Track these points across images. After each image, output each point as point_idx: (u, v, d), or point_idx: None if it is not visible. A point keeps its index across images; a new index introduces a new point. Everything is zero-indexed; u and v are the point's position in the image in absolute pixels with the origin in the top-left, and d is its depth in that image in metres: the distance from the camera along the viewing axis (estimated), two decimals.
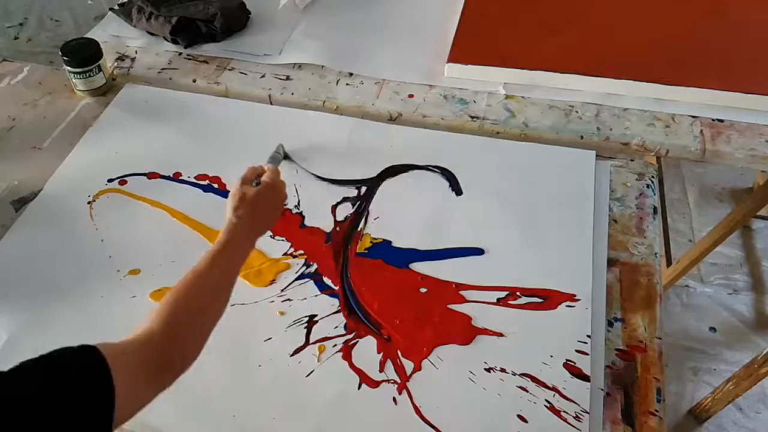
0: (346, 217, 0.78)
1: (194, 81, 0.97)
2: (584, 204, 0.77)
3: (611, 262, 0.72)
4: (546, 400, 0.61)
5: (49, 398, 0.39)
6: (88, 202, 0.80)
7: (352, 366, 0.64)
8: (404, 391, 0.62)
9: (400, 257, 0.73)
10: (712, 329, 1.43)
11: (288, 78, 0.97)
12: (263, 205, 0.65)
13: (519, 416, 0.60)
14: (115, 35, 1.06)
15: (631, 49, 0.94)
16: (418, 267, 0.72)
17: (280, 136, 0.87)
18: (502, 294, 0.69)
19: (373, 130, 0.88)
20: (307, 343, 0.66)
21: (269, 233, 0.76)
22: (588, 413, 0.60)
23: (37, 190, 0.82)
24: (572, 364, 0.63)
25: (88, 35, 1.04)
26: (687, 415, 1.29)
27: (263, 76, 0.98)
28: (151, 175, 0.83)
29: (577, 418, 0.60)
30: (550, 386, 0.62)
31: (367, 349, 0.65)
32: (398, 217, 0.77)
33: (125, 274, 0.72)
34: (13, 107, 0.95)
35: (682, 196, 1.70)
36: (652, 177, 0.81)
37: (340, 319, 0.68)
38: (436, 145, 0.85)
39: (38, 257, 0.74)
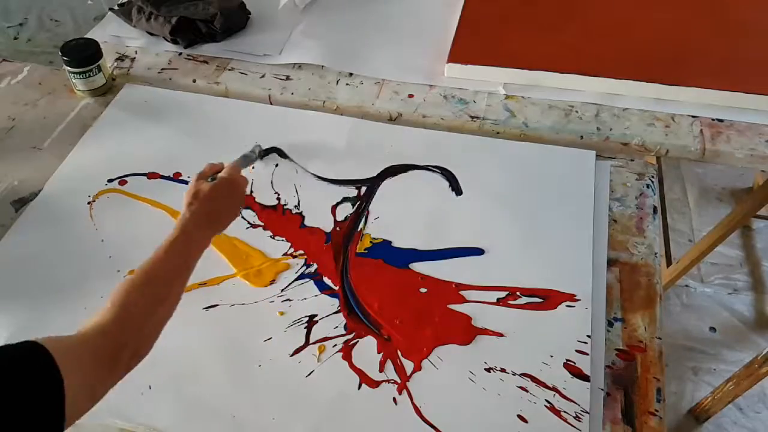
0: (346, 217, 0.78)
1: (194, 81, 0.97)
2: (584, 204, 0.77)
3: (611, 262, 0.72)
4: (546, 400, 0.61)
5: None
6: (88, 202, 0.80)
7: (352, 366, 0.64)
8: (404, 391, 0.62)
9: (400, 257, 0.73)
10: (712, 329, 1.43)
11: (288, 78, 0.97)
12: (218, 201, 0.65)
13: (519, 416, 0.60)
14: (115, 35, 1.06)
15: (631, 49, 0.94)
16: (418, 267, 0.72)
17: (280, 136, 0.87)
18: (502, 294, 0.69)
19: (373, 130, 0.88)
20: (307, 343, 0.66)
21: (269, 233, 0.76)
22: (588, 413, 0.60)
23: (37, 190, 0.82)
24: (572, 364, 0.63)
25: (88, 35, 1.04)
26: (687, 415, 1.29)
27: (263, 76, 0.98)
28: (151, 175, 0.83)
29: (577, 418, 0.60)
30: (550, 386, 0.62)
31: (367, 349, 0.65)
32: (398, 217, 0.77)
33: (125, 274, 0.72)
34: (13, 107, 0.95)
35: (682, 196, 1.70)
36: (652, 177, 0.81)
37: (340, 319, 0.68)
38: (436, 145, 0.85)
39: (38, 257, 0.74)
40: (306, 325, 0.68)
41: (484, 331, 0.66)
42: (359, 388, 0.63)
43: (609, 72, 0.90)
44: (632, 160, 0.83)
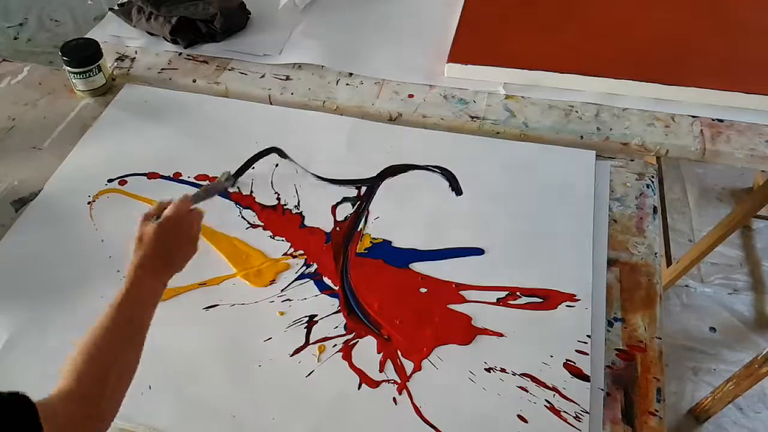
0: (346, 217, 0.78)
1: (194, 81, 0.97)
2: (584, 204, 0.77)
3: (611, 262, 0.72)
4: (546, 400, 0.61)
5: None
6: (88, 202, 0.80)
7: (352, 366, 0.64)
8: (404, 391, 0.62)
9: (400, 257, 0.73)
10: (712, 329, 1.43)
11: (288, 78, 0.97)
12: (165, 242, 0.60)
13: (519, 416, 0.60)
14: (115, 35, 1.06)
15: (631, 49, 0.94)
16: (418, 267, 0.72)
17: (280, 136, 0.87)
18: (502, 294, 0.69)
19: (373, 130, 0.88)
20: (307, 343, 0.66)
21: (269, 233, 0.76)
22: (588, 413, 0.60)
23: (37, 191, 0.82)
24: (572, 364, 0.63)
25: (88, 35, 1.04)
26: (687, 415, 1.29)
27: (263, 76, 0.98)
28: (151, 175, 0.83)
29: (577, 418, 0.60)
30: (550, 386, 0.62)
31: (367, 349, 0.65)
32: (398, 217, 0.77)
33: (125, 275, 0.72)
34: (13, 107, 0.95)
35: (682, 196, 1.70)
36: (652, 177, 0.81)
37: (340, 319, 0.68)
38: (436, 145, 0.85)
39: (38, 257, 0.74)
40: (306, 325, 0.68)
41: (484, 331, 0.66)
42: (359, 388, 0.63)
43: (609, 72, 0.90)
44: (632, 160, 0.83)
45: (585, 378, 0.62)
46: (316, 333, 0.67)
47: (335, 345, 0.66)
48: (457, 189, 0.80)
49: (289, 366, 0.64)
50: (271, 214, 0.78)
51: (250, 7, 1.07)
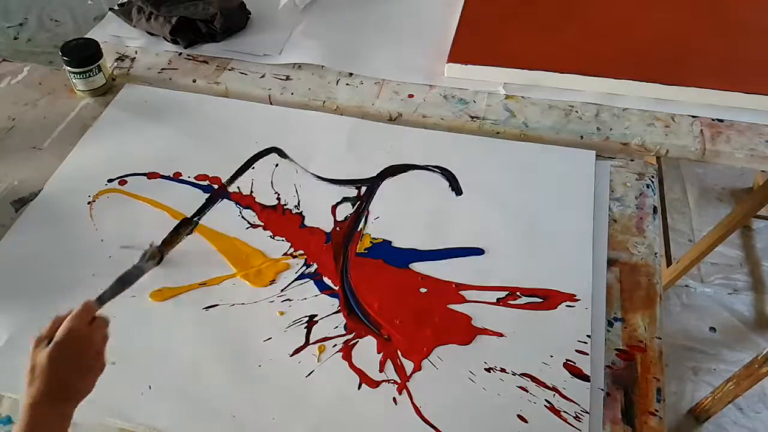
0: (346, 217, 0.78)
1: (194, 81, 0.97)
2: (584, 204, 0.77)
3: (611, 262, 0.72)
4: (546, 400, 0.61)
5: None
6: (88, 202, 0.80)
7: (352, 366, 0.64)
8: (404, 391, 0.62)
9: (400, 257, 0.73)
10: (712, 329, 1.43)
11: (288, 78, 0.97)
12: (61, 371, 0.51)
13: (519, 416, 0.60)
14: (115, 35, 1.06)
15: (631, 49, 0.94)
16: (418, 267, 0.72)
17: (280, 136, 0.87)
18: (502, 294, 0.69)
19: (373, 130, 0.88)
20: (307, 343, 0.66)
21: (269, 233, 0.76)
22: (588, 413, 0.60)
23: (37, 190, 0.82)
24: (572, 364, 0.63)
25: (88, 35, 1.04)
26: (687, 415, 1.29)
27: (263, 76, 0.98)
28: (151, 175, 0.83)
29: (577, 418, 0.60)
30: (550, 386, 0.62)
31: (367, 349, 0.65)
32: (398, 217, 0.77)
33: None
34: (13, 107, 0.95)
35: (682, 196, 1.70)
36: (652, 177, 0.81)
37: (340, 319, 0.68)
38: (436, 145, 0.85)
39: (38, 257, 0.74)
40: (306, 325, 0.68)
41: (484, 331, 0.66)
42: (359, 388, 0.63)
43: (609, 72, 0.90)
44: (632, 160, 0.83)
45: (585, 378, 0.62)
46: (316, 333, 0.67)
47: (335, 345, 0.66)
48: (457, 189, 0.80)
49: (289, 366, 0.64)
50: (271, 214, 0.78)
51: (250, 7, 1.07)
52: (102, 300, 0.60)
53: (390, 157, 0.84)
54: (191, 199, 0.80)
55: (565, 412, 0.60)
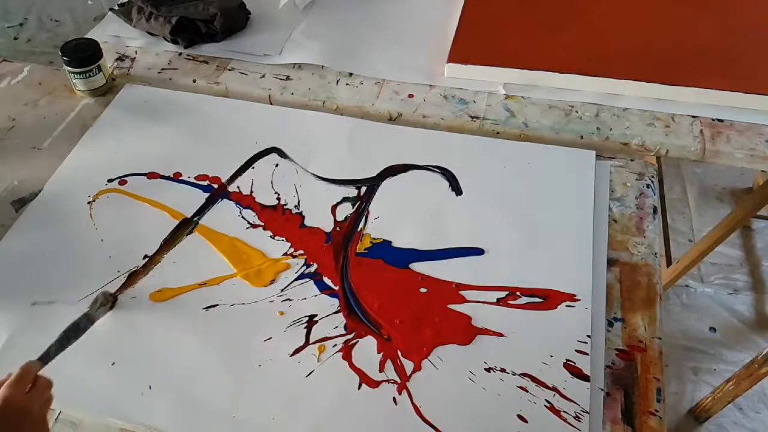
0: (346, 217, 0.78)
1: (194, 81, 0.97)
2: (584, 204, 0.77)
3: (611, 262, 0.72)
4: (546, 400, 0.61)
5: None
6: (88, 202, 0.80)
7: (352, 366, 0.64)
8: (404, 391, 0.62)
9: (400, 257, 0.73)
10: (712, 329, 1.43)
11: (288, 78, 0.97)
12: None
13: (519, 416, 0.60)
14: (115, 35, 1.06)
15: (631, 49, 0.94)
16: (418, 267, 0.72)
17: (280, 136, 0.87)
18: (502, 294, 0.69)
19: (373, 130, 0.88)
20: (307, 343, 0.66)
21: (269, 233, 0.76)
22: (588, 413, 0.60)
23: (37, 190, 0.82)
24: (572, 364, 0.63)
25: (88, 35, 1.04)
26: (687, 415, 1.29)
27: (263, 76, 0.98)
28: (151, 175, 0.83)
29: (577, 418, 0.60)
30: (550, 386, 0.62)
31: (367, 349, 0.65)
32: (398, 217, 0.77)
33: (125, 275, 0.72)
34: (13, 107, 0.95)
35: (682, 196, 1.70)
36: (652, 177, 0.81)
37: (340, 319, 0.68)
38: (436, 145, 0.85)
39: (38, 257, 0.74)
40: (306, 325, 0.68)
41: (484, 331, 0.66)
42: (359, 388, 0.63)
43: (609, 72, 0.90)
44: (632, 160, 0.84)
45: (585, 378, 0.62)
46: (316, 333, 0.67)
47: (335, 345, 0.66)
48: (457, 189, 0.80)
49: (289, 366, 0.64)
50: (271, 214, 0.78)
51: (250, 7, 1.07)
52: (45, 359, 0.56)
53: (390, 157, 0.84)
54: (191, 199, 0.80)
55: (565, 412, 0.60)
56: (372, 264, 0.73)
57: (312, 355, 0.65)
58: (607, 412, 0.61)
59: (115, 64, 1.01)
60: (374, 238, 0.75)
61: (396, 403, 0.61)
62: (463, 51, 0.95)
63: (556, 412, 0.60)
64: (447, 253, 0.73)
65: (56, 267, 0.73)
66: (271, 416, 0.61)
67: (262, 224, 0.77)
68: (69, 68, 0.92)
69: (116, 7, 1.09)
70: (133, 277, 0.72)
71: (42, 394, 0.51)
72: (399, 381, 0.63)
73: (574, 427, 0.59)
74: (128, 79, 0.98)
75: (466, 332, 0.66)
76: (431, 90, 0.94)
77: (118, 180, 0.83)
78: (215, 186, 0.82)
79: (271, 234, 0.76)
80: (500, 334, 0.66)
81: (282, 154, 0.85)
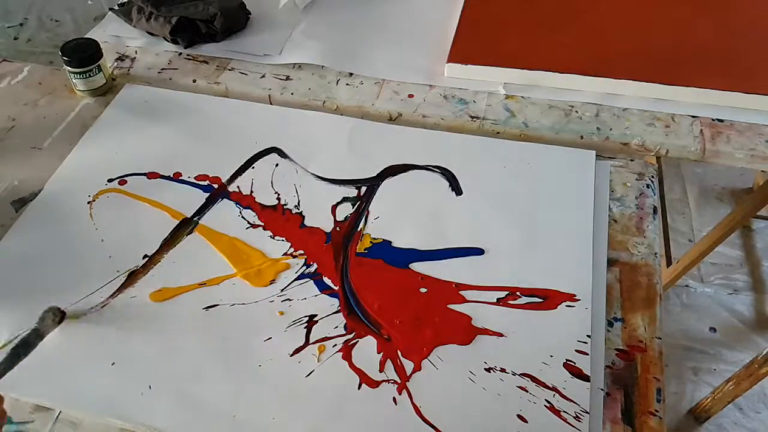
0: (346, 217, 0.78)
1: (194, 81, 0.98)
2: (584, 204, 0.77)
3: (611, 262, 0.72)
4: (546, 400, 0.61)
5: None
6: (88, 202, 0.80)
7: (352, 366, 0.64)
8: (404, 391, 0.62)
9: (400, 257, 0.73)
10: (712, 329, 1.43)
11: (288, 78, 0.97)
12: None
13: (519, 416, 0.60)
14: (115, 35, 1.06)
15: (631, 49, 0.94)
16: (418, 267, 0.72)
17: (280, 136, 0.87)
18: (502, 294, 0.69)
19: (373, 130, 0.88)
20: (307, 343, 0.66)
21: (269, 233, 0.76)
22: (588, 413, 0.60)
23: (37, 190, 0.82)
24: (572, 364, 0.63)
25: (88, 35, 1.04)
26: (687, 415, 1.29)
27: (263, 76, 0.98)
28: (151, 175, 0.83)
29: (577, 418, 0.60)
30: (550, 386, 0.62)
31: (367, 349, 0.65)
32: (398, 217, 0.77)
33: (125, 275, 0.72)
34: (13, 107, 0.95)
35: (682, 196, 1.70)
36: (652, 177, 0.81)
37: (340, 319, 0.68)
38: (436, 145, 0.85)
39: (38, 257, 0.74)
40: (306, 325, 0.68)
41: (484, 331, 0.66)
42: (359, 388, 0.63)
43: (609, 72, 0.90)
44: (632, 160, 0.84)
45: (585, 378, 0.62)
46: (316, 333, 0.67)
47: (335, 345, 0.66)
48: (457, 189, 0.80)
49: (289, 366, 0.64)
50: (271, 214, 0.78)
51: (250, 7, 1.07)
52: None
53: (390, 157, 0.84)
54: (191, 199, 0.80)
55: (565, 412, 0.60)
56: (372, 264, 0.73)
57: (312, 355, 0.65)
58: (607, 412, 0.61)
59: (115, 64, 1.01)
60: (374, 238, 0.75)
61: (396, 403, 0.61)
62: (463, 51, 0.95)
63: (556, 412, 0.60)
64: (447, 253, 0.73)
65: (56, 267, 0.73)
66: (271, 416, 0.61)
67: (262, 224, 0.77)
68: (69, 68, 0.92)
69: (116, 7, 1.09)
70: (132, 276, 0.72)
71: None
72: (399, 381, 0.63)
73: (574, 427, 0.59)
74: (128, 79, 0.98)
75: (466, 332, 0.66)
76: (431, 90, 0.94)
77: (118, 180, 0.83)
78: (215, 186, 0.82)
79: (271, 234, 0.76)
80: (500, 334, 0.66)
81: (282, 154, 0.85)
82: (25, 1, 1.22)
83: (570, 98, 0.90)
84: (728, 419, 1.27)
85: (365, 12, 1.09)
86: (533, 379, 0.62)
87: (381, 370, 0.64)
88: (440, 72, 0.95)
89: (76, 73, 0.92)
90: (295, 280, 0.72)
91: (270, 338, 0.67)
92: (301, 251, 0.74)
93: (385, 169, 0.83)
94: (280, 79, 0.97)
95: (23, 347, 0.60)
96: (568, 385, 0.62)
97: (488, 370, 0.63)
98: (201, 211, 0.79)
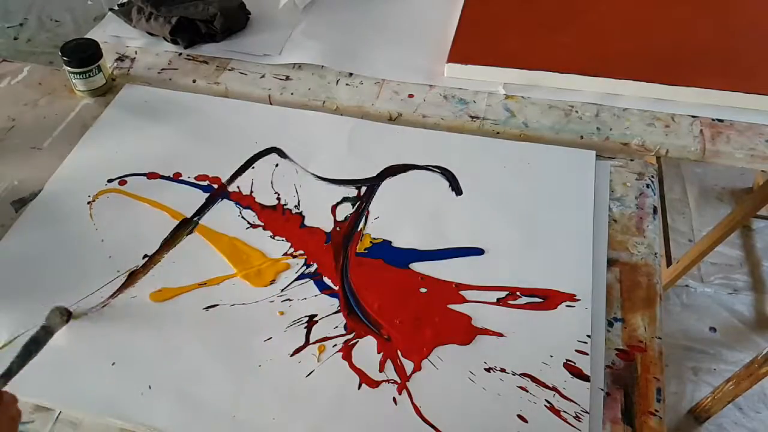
0: (346, 217, 0.78)
1: (194, 81, 0.97)
2: (584, 204, 0.77)
3: (611, 262, 0.72)
4: (546, 400, 0.61)
5: None
6: (88, 202, 0.80)
7: (352, 366, 0.64)
8: (404, 391, 0.62)
9: (400, 257, 0.73)
10: (712, 329, 1.43)
11: (288, 78, 0.97)
12: None
13: (519, 416, 0.60)
14: (115, 35, 1.06)
15: (631, 49, 0.94)
16: (418, 267, 0.72)
17: (280, 136, 0.87)
18: (502, 294, 0.69)
19: (373, 130, 0.88)
20: (307, 343, 0.66)
21: (269, 233, 0.76)
22: (588, 413, 0.60)
23: (37, 190, 0.82)
24: (572, 364, 0.63)
25: (88, 35, 1.04)
26: (687, 415, 1.29)
27: (263, 76, 0.98)
28: (151, 175, 0.83)
29: (577, 418, 0.60)
30: (550, 386, 0.62)
31: (367, 349, 0.65)
32: (398, 217, 0.77)
33: (125, 274, 0.72)
34: (13, 107, 0.95)
35: (682, 196, 1.70)
36: (652, 177, 0.81)
37: (340, 319, 0.68)
38: (436, 145, 0.85)
39: (38, 257, 0.74)
40: (306, 325, 0.68)
41: (484, 331, 0.66)
42: (359, 388, 0.63)
43: (609, 72, 0.90)
44: (632, 160, 0.84)
45: (585, 378, 0.62)
46: (316, 333, 0.67)
47: (335, 345, 0.66)
48: (457, 189, 0.80)
49: (289, 366, 0.64)
50: (271, 214, 0.78)
51: (250, 7, 1.07)
52: (8, 375, 0.55)
53: (390, 157, 0.84)
54: (191, 199, 0.80)
55: (565, 412, 0.60)
56: (372, 264, 0.73)
57: (312, 355, 0.65)
58: (607, 412, 0.61)
59: (115, 64, 1.01)
60: (374, 238, 0.75)
61: (396, 403, 0.61)
62: (463, 51, 0.95)
63: (556, 412, 0.60)
64: (447, 253, 0.73)
65: (56, 267, 0.73)
66: (271, 416, 0.61)
67: (262, 224, 0.77)
68: (69, 68, 0.92)
69: (116, 7, 1.09)
70: (133, 276, 0.72)
71: (8, 411, 0.50)
72: (399, 381, 0.63)
73: (574, 427, 0.59)
74: (128, 79, 0.98)
75: (466, 332, 0.66)
76: (431, 90, 0.94)
77: (118, 180, 0.83)
78: (215, 186, 0.82)
79: (271, 234, 0.76)
80: (500, 334, 0.66)
81: (282, 154, 0.85)
82: (25, 1, 1.22)
83: (570, 98, 0.90)
84: (728, 419, 1.27)
85: (365, 12, 1.09)
86: (533, 379, 0.62)
87: (381, 370, 0.64)
88: (440, 72, 0.95)
89: (76, 73, 0.92)
90: (295, 280, 0.72)
91: (270, 338, 0.67)
92: (301, 251, 0.74)
93: (385, 169, 0.83)
94: (280, 79, 0.97)
95: (34, 344, 0.60)
96: (568, 385, 0.62)
97: (488, 370, 0.63)
98: (201, 211, 0.79)
